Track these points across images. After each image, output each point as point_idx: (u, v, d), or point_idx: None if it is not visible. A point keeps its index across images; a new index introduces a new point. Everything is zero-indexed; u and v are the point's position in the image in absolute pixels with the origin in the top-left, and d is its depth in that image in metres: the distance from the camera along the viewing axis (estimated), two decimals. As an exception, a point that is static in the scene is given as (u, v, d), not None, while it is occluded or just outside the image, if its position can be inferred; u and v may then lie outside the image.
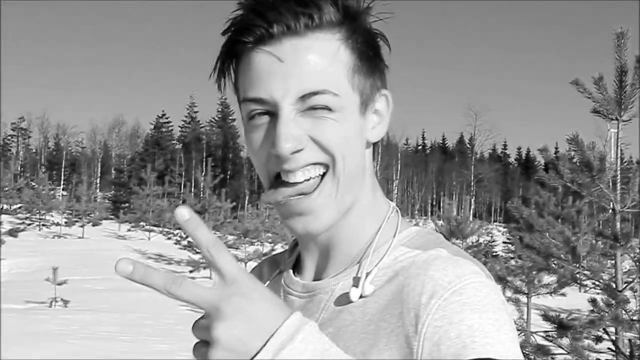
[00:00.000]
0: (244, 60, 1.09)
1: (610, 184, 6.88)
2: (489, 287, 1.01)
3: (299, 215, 1.10)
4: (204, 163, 33.57)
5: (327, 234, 1.15)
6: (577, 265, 7.11)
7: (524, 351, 6.11)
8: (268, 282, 1.31)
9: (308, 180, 1.08)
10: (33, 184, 52.13)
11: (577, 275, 7.42)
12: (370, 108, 1.14)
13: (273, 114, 1.07)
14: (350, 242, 1.16)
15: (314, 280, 1.20)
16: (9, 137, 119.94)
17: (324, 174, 1.09)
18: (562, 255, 7.32)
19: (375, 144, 1.19)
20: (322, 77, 1.05)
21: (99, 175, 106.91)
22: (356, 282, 1.10)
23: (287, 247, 1.41)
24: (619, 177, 6.82)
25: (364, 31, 1.11)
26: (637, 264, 7.27)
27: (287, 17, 1.04)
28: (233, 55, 1.11)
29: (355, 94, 1.10)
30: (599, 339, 7.05)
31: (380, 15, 1.13)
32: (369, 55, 1.11)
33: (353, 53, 1.09)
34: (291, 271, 1.25)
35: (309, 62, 1.05)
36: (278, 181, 1.10)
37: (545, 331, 6.99)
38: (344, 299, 1.11)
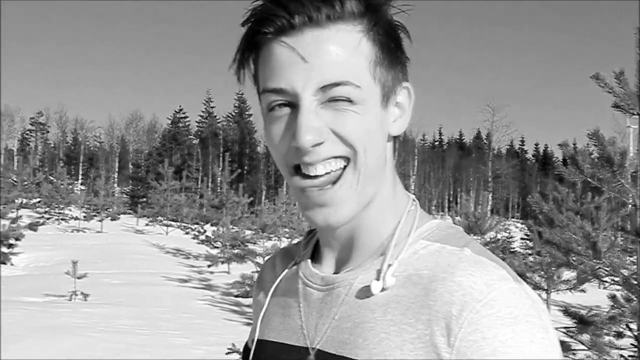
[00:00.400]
0: (264, 51, 1.08)
1: (631, 179, 6.85)
2: (518, 292, 1.01)
3: (319, 207, 1.08)
4: (221, 158, 33.64)
5: (347, 227, 1.14)
6: (598, 261, 7.08)
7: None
8: (284, 272, 1.31)
9: (329, 173, 1.07)
10: (52, 178, 52.51)
11: (598, 271, 7.40)
12: (392, 101, 1.13)
13: (293, 105, 1.06)
14: (371, 235, 1.16)
15: (334, 273, 1.19)
16: (28, 132, 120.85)
17: (345, 166, 1.07)
18: (582, 251, 7.29)
19: (395, 138, 1.18)
20: (344, 68, 1.04)
21: (117, 170, 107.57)
22: (377, 274, 1.10)
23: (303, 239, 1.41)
24: (639, 172, 6.79)
25: (386, 23, 1.10)
26: (658, 259, 7.24)
27: (308, 7, 1.03)
28: (253, 46, 1.10)
29: (376, 86, 1.08)
30: (620, 335, 7.04)
31: (402, 7, 1.12)
32: (391, 47, 1.10)
33: (374, 45, 1.07)
34: (309, 262, 1.25)
35: (330, 53, 1.04)
36: (298, 173, 1.09)
37: (566, 327, 6.98)
38: (363, 293, 1.10)
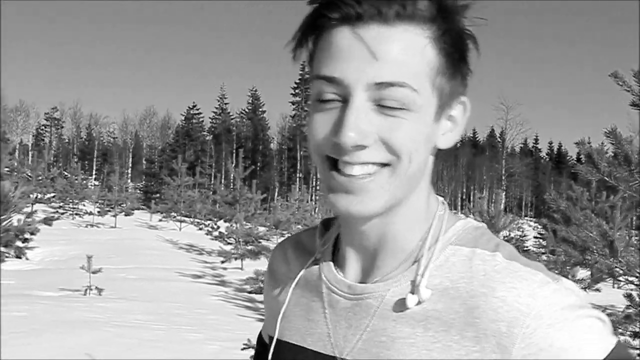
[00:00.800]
0: (324, 36, 1.03)
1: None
2: (561, 292, 1.00)
3: (345, 193, 1.03)
4: (235, 154, 33.67)
5: (377, 231, 1.11)
6: (615, 260, 7.06)
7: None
8: (302, 271, 1.26)
9: (364, 176, 1.02)
10: (66, 173, 52.74)
11: (616, 270, 7.38)
12: (446, 113, 1.08)
13: (345, 100, 1.01)
14: (401, 242, 1.12)
15: (361, 281, 1.15)
16: (43, 127, 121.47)
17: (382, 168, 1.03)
18: (598, 250, 7.27)
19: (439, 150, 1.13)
20: (403, 69, 0.99)
21: (131, 165, 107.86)
22: (412, 287, 1.08)
23: (314, 228, 1.35)
24: (657, 171, 6.76)
25: (455, 32, 1.04)
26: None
27: (379, 0, 0.98)
28: (315, 29, 1.05)
29: (434, 96, 1.04)
30: (636, 335, 7.01)
31: (475, 18, 1.07)
32: (455, 58, 1.05)
33: (439, 53, 1.03)
34: (332, 265, 1.21)
35: (392, 51, 0.99)
36: (332, 167, 1.04)
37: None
38: (397, 307, 1.08)
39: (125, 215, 43.61)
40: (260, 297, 16.23)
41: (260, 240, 22.05)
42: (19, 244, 18.28)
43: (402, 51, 0.99)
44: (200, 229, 36.29)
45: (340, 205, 1.04)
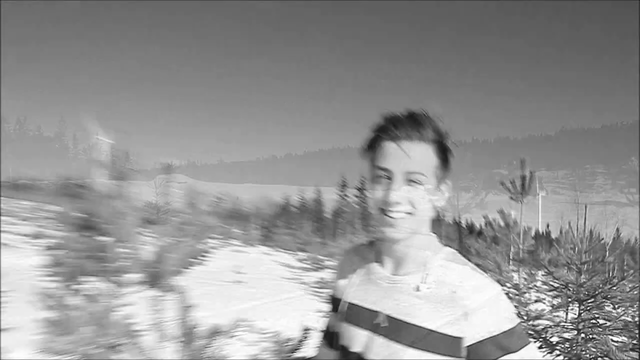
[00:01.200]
0: (380, 145, 1.26)
1: (518, 235, 8.48)
2: (492, 285, 1.25)
3: (389, 226, 1.25)
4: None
5: (402, 248, 1.32)
6: (500, 276, 7.13)
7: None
8: (362, 269, 1.42)
9: (399, 219, 1.24)
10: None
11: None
12: (439, 188, 1.29)
13: (390, 178, 1.24)
14: (416, 254, 1.32)
15: (393, 274, 1.35)
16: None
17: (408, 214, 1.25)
18: (493, 270, 7.37)
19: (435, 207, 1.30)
20: (420, 165, 1.22)
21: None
22: (422, 279, 1.29)
23: (365, 243, 1.49)
24: (521, 231, 8.46)
25: (445, 147, 1.27)
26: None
27: (408, 131, 1.23)
28: (375, 142, 1.27)
29: (434, 179, 1.26)
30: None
31: (453, 143, 1.28)
32: (444, 161, 1.27)
33: (437, 158, 1.25)
34: (377, 265, 1.38)
35: (415, 156, 1.22)
36: (383, 212, 1.25)
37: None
38: (414, 290, 1.29)
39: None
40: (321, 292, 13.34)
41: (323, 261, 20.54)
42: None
43: (419, 156, 1.24)
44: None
45: (387, 234, 1.26)
